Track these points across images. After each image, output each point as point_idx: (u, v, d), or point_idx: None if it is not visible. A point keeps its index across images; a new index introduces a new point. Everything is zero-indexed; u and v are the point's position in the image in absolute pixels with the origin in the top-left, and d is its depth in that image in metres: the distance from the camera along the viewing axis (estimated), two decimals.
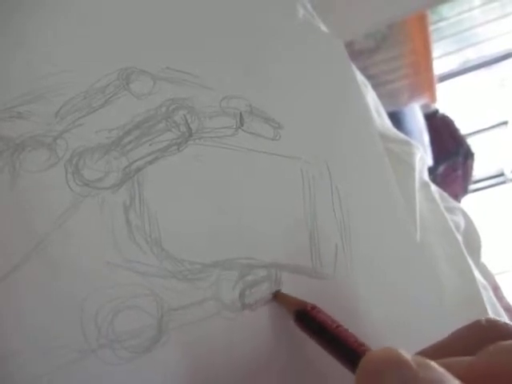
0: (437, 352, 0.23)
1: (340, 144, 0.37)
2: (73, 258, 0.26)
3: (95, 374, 0.25)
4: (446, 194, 0.61)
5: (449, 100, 1.97)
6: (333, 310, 0.30)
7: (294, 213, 0.32)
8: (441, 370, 0.18)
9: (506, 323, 0.21)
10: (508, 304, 0.59)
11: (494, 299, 0.50)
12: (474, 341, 0.22)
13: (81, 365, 0.24)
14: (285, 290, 0.30)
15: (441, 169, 1.72)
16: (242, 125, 0.33)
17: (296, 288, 0.30)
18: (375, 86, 0.65)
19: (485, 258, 0.58)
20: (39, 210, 0.26)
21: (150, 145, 0.30)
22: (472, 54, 1.99)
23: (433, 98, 1.63)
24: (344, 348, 0.25)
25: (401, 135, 0.57)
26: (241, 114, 0.33)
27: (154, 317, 0.26)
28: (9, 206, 0.26)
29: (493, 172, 2.28)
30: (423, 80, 1.53)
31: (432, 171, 1.47)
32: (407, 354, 0.19)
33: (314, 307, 0.28)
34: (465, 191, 1.82)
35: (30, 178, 0.27)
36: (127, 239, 0.27)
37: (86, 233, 0.27)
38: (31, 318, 0.24)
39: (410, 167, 0.51)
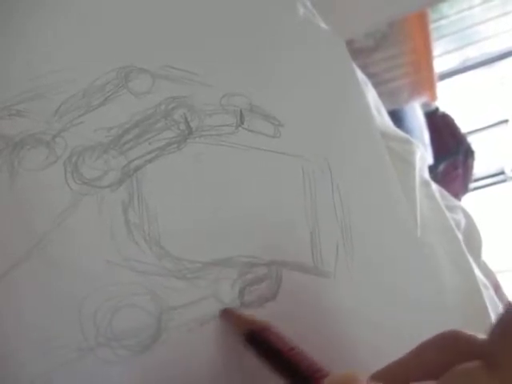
0: (399, 372, 0.22)
1: (341, 142, 0.37)
2: (72, 256, 0.26)
3: (94, 373, 0.25)
4: (446, 193, 0.61)
5: (449, 98, 1.96)
6: (333, 308, 0.30)
7: (295, 211, 0.32)
8: None
9: (468, 338, 0.21)
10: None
11: (495, 298, 0.50)
12: (437, 358, 0.21)
13: (80, 363, 0.24)
14: (285, 288, 0.30)
15: (441, 167, 1.71)
16: (243, 122, 0.33)
17: (296, 286, 0.30)
18: (375, 85, 0.65)
19: (485, 256, 0.58)
20: (38, 209, 0.26)
21: (150, 143, 0.30)
22: (472, 53, 1.99)
23: (433, 97, 1.63)
24: (297, 374, 0.23)
25: (401, 133, 0.57)
26: (241, 111, 0.33)
27: (153, 315, 0.26)
28: (8, 205, 0.26)
29: (493, 170, 2.28)
30: (423, 78, 1.52)
31: (432, 169, 1.46)
32: (365, 379, 0.19)
33: (265, 328, 0.26)
34: (465, 189, 1.82)
35: (29, 177, 0.27)
36: (126, 238, 0.27)
37: (85, 232, 0.27)
38: (30, 317, 0.25)
39: (411, 166, 0.50)
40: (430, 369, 0.21)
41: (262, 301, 0.29)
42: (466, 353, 0.20)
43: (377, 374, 0.22)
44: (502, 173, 2.27)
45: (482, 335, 0.20)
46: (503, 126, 2.16)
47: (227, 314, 0.27)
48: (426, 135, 1.66)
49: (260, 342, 0.25)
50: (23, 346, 0.24)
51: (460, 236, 0.50)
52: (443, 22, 1.84)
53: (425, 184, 0.53)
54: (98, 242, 0.27)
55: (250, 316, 0.27)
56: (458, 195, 1.66)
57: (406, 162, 0.51)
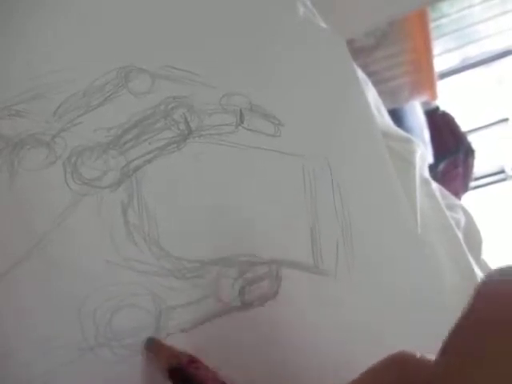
0: None
1: (341, 141, 0.37)
2: (72, 256, 0.26)
3: (94, 372, 0.25)
4: (446, 192, 0.61)
5: (449, 97, 1.96)
6: (333, 306, 0.30)
7: (295, 210, 0.32)
8: None
9: (416, 362, 0.20)
10: None
11: None
12: (388, 382, 0.20)
13: (80, 363, 0.24)
14: (286, 286, 0.30)
15: (441, 166, 1.71)
16: (242, 122, 0.33)
17: (297, 285, 0.30)
18: (376, 84, 0.65)
19: (486, 255, 0.58)
20: (38, 209, 0.26)
21: (149, 143, 0.30)
22: (473, 51, 1.98)
23: (433, 96, 1.63)
24: None
25: (401, 133, 0.57)
26: (241, 111, 0.33)
27: (152, 315, 0.26)
28: (8, 205, 0.26)
29: (493, 169, 2.28)
30: (424, 77, 1.52)
31: (432, 168, 1.46)
32: None
33: (191, 361, 0.24)
34: (465, 188, 1.81)
35: (29, 177, 0.27)
36: (125, 238, 0.27)
37: (84, 232, 0.27)
38: (30, 316, 0.25)
39: (411, 165, 0.50)
40: None
41: (262, 300, 0.29)
42: (415, 377, 0.19)
43: None
44: (502, 171, 2.27)
45: (431, 357, 0.19)
46: (503, 124, 2.15)
47: (150, 346, 0.26)
48: (426, 134, 1.66)
49: (185, 378, 0.23)
50: (23, 345, 0.24)
51: (460, 235, 0.50)
52: (443, 20, 1.84)
53: (425, 183, 0.53)
54: (97, 242, 0.27)
55: (174, 349, 0.25)
56: (458, 194, 1.66)
57: (406, 161, 0.51)
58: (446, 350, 0.17)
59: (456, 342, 0.17)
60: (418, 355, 0.20)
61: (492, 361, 0.15)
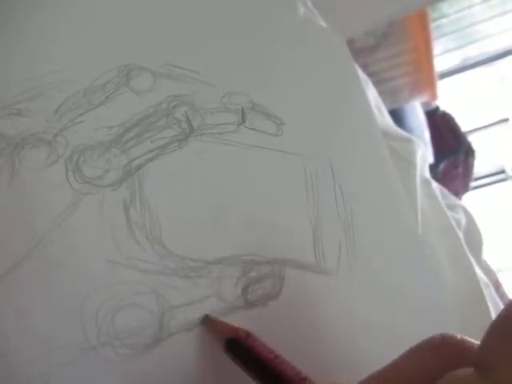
0: (390, 377, 0.21)
1: (342, 140, 0.37)
2: (73, 256, 0.26)
3: (96, 372, 0.25)
4: (446, 191, 0.61)
5: (450, 97, 1.96)
6: (335, 306, 0.30)
7: (297, 209, 0.32)
8: None
9: (461, 342, 0.20)
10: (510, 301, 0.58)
11: (496, 296, 0.50)
12: (429, 363, 0.20)
13: (81, 362, 0.24)
14: (288, 286, 0.30)
15: (441, 166, 1.71)
16: (244, 121, 0.33)
17: (299, 284, 0.30)
18: (376, 84, 0.65)
19: (486, 255, 0.58)
20: (39, 208, 0.26)
21: (151, 142, 0.30)
22: (473, 51, 1.99)
23: (433, 96, 1.63)
24: (283, 382, 0.23)
25: (402, 132, 0.57)
26: (243, 110, 0.33)
27: (155, 314, 0.26)
28: (8, 204, 0.26)
29: (494, 169, 2.28)
30: (424, 77, 1.52)
31: (433, 168, 1.46)
32: None
33: (248, 335, 0.25)
34: (466, 188, 1.82)
35: (30, 176, 0.26)
36: (128, 237, 0.27)
37: (86, 231, 0.26)
38: (32, 316, 0.24)
39: (411, 165, 0.50)
40: (422, 373, 0.20)
41: (265, 299, 0.29)
42: (459, 358, 0.19)
43: (367, 380, 0.21)
44: (503, 172, 2.27)
45: (475, 340, 0.20)
46: (503, 124, 2.16)
47: (208, 321, 0.27)
48: (426, 134, 1.66)
49: (243, 349, 0.25)
50: (24, 345, 0.24)
51: (461, 235, 0.50)
52: (443, 20, 1.84)
53: (425, 183, 0.53)
54: (99, 241, 0.27)
55: (232, 324, 0.26)
56: (458, 194, 1.66)
57: (406, 161, 0.51)
58: (492, 334, 0.18)
59: (503, 325, 0.17)
60: (459, 337, 0.20)
61: None
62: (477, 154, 1.80)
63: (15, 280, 0.25)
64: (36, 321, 0.24)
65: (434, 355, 0.20)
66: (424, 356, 0.21)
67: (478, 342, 0.18)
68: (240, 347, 0.25)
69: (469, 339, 0.20)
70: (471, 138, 1.85)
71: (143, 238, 0.27)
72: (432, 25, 1.55)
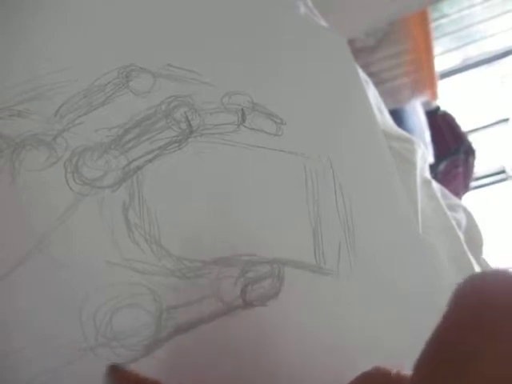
0: None
1: (343, 140, 0.37)
2: (72, 256, 0.26)
3: (94, 372, 0.25)
4: (447, 191, 0.61)
5: (450, 97, 1.96)
6: (336, 307, 0.30)
7: (297, 209, 0.32)
8: None
9: (394, 376, 0.19)
10: None
11: None
12: None
13: (80, 363, 0.24)
14: (288, 286, 0.30)
15: (442, 166, 1.71)
16: (244, 121, 0.33)
17: (299, 284, 0.30)
18: (376, 84, 0.65)
19: (486, 255, 0.58)
20: (39, 209, 0.26)
21: (151, 143, 0.30)
22: (473, 51, 1.99)
23: (434, 96, 1.63)
24: None
25: (402, 133, 0.57)
26: (242, 110, 0.33)
27: (153, 315, 0.26)
28: (9, 205, 0.26)
29: (494, 169, 2.28)
30: (424, 77, 1.52)
31: (433, 168, 1.46)
32: None
33: None
34: (466, 188, 1.82)
35: (30, 177, 0.26)
36: (126, 238, 0.27)
37: (85, 232, 0.27)
38: (31, 316, 0.24)
39: (412, 165, 0.50)
40: None
41: (264, 299, 0.29)
42: None
43: None
44: (503, 172, 2.27)
45: (407, 371, 0.19)
46: (504, 124, 2.16)
47: (114, 373, 0.24)
48: (426, 134, 1.66)
49: None
50: (23, 345, 0.24)
51: (461, 235, 0.50)
52: (444, 20, 1.84)
53: (426, 183, 0.53)
54: (98, 242, 0.27)
55: (138, 375, 0.24)
56: (458, 194, 1.66)
57: (407, 161, 0.51)
58: (420, 365, 0.17)
59: (430, 355, 0.16)
60: (394, 372, 0.19)
61: (468, 372, 0.15)
62: (477, 154, 1.80)
63: (15, 280, 0.25)
64: (35, 321, 0.25)
65: None
66: None
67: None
68: None
69: (404, 374, 0.19)
70: (471, 138, 1.85)
71: (142, 239, 0.27)
72: (432, 25, 1.55)
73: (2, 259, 0.25)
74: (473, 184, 1.92)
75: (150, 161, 0.29)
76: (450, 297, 0.17)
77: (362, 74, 0.55)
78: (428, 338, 0.17)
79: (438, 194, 0.53)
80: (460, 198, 1.51)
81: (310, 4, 0.51)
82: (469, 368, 0.15)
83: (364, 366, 0.22)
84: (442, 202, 0.52)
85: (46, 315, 0.25)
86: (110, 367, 0.24)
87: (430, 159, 1.50)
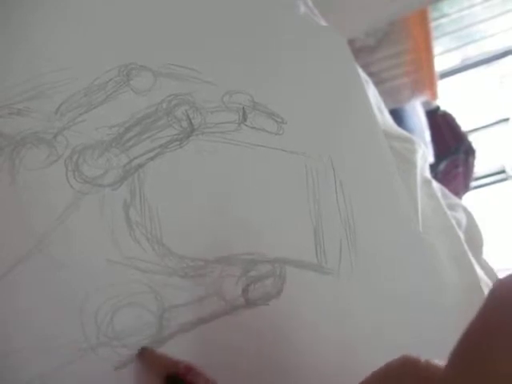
0: None
1: (343, 139, 0.37)
2: (73, 255, 0.26)
3: (95, 372, 0.25)
4: (447, 191, 0.61)
5: (450, 97, 1.96)
6: (337, 306, 0.30)
7: (299, 208, 0.32)
8: None
9: (423, 366, 0.19)
10: None
11: None
12: None
13: (81, 362, 0.24)
14: (289, 285, 0.30)
15: (442, 166, 1.71)
16: (245, 120, 0.33)
17: (300, 283, 0.30)
18: (376, 84, 0.65)
19: (486, 255, 0.58)
20: (39, 208, 0.26)
21: (151, 141, 0.30)
22: (473, 51, 1.99)
23: (434, 95, 1.63)
24: None
25: (402, 132, 0.57)
26: (243, 108, 0.33)
27: (155, 314, 0.26)
28: (9, 204, 0.26)
29: (494, 169, 2.28)
30: (424, 77, 1.52)
31: (433, 168, 1.46)
32: None
33: (189, 369, 0.24)
34: (466, 188, 1.82)
35: (30, 176, 0.26)
36: (127, 237, 0.27)
37: (86, 231, 0.26)
38: (32, 316, 0.24)
39: (412, 164, 0.50)
40: None
41: (266, 298, 0.29)
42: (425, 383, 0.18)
43: None
44: (503, 171, 2.27)
45: (441, 362, 0.18)
46: (504, 124, 2.16)
47: (145, 355, 0.25)
48: (426, 134, 1.66)
49: None
50: (24, 345, 0.24)
51: (461, 234, 0.50)
52: (444, 20, 1.84)
53: (426, 183, 0.53)
54: (99, 240, 0.27)
55: (170, 357, 0.25)
56: (458, 194, 1.66)
57: (407, 160, 0.51)
58: (456, 355, 0.17)
59: (466, 347, 0.17)
60: (423, 360, 0.19)
61: (504, 368, 0.15)
62: (477, 154, 1.80)
63: (15, 280, 0.25)
64: (36, 321, 0.24)
65: (400, 379, 0.19)
66: (390, 381, 0.20)
67: (444, 365, 0.18)
68: (181, 383, 0.23)
69: (433, 363, 0.19)
70: (471, 138, 1.85)
71: (143, 237, 0.27)
72: (432, 24, 1.55)
73: (2, 259, 0.25)
74: (473, 184, 1.93)
75: (151, 159, 0.29)
76: (487, 294, 0.17)
77: (362, 74, 0.55)
78: (464, 330, 0.17)
79: (438, 194, 0.53)
80: (460, 198, 1.51)
81: (310, 4, 0.51)
82: (500, 365, 0.15)
83: (365, 363, 0.22)
84: (442, 202, 0.52)
85: (46, 315, 0.25)
86: (141, 349, 0.25)
87: (430, 159, 1.50)
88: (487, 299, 0.17)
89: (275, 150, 0.33)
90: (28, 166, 0.27)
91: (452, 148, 1.75)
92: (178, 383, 0.23)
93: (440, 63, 1.79)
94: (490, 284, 0.50)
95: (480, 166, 1.92)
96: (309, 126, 0.35)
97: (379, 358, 0.21)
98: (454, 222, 0.50)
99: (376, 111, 0.51)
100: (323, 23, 0.51)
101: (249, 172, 0.32)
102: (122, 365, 0.25)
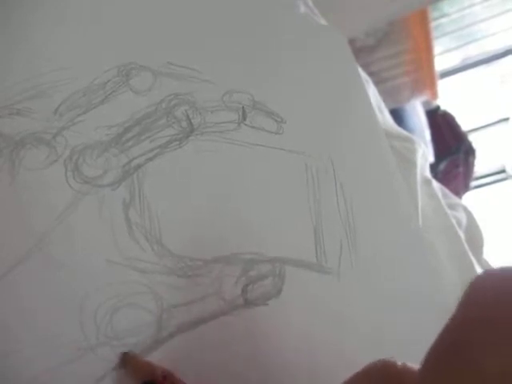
0: None
1: (344, 138, 0.37)
2: (73, 256, 0.26)
3: (94, 372, 0.25)
4: (447, 191, 0.60)
5: (450, 96, 1.97)
6: (337, 306, 0.30)
7: (298, 207, 0.32)
8: None
9: (400, 370, 0.19)
10: None
11: None
12: None
13: (80, 362, 0.24)
14: (289, 285, 0.30)
15: (442, 166, 1.71)
16: (245, 119, 0.33)
17: (300, 283, 0.30)
18: (376, 84, 0.65)
19: (487, 254, 0.58)
20: (39, 208, 0.26)
21: (151, 141, 0.30)
22: (473, 51, 1.99)
23: (434, 95, 1.63)
24: None
25: (403, 132, 0.57)
26: (243, 108, 0.33)
27: (154, 314, 0.26)
28: (8, 204, 0.26)
29: (494, 169, 2.28)
30: (424, 77, 1.53)
31: (433, 168, 1.46)
32: None
33: (166, 376, 0.24)
34: (466, 188, 1.82)
35: (30, 176, 0.26)
36: (127, 237, 0.27)
37: (85, 231, 0.26)
38: (31, 315, 0.24)
39: (412, 164, 0.50)
40: None
41: (265, 298, 0.29)
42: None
43: None
44: (503, 171, 2.27)
45: (415, 366, 0.18)
46: (504, 124, 2.16)
47: (126, 360, 0.25)
48: (427, 133, 1.66)
49: None
50: (23, 345, 0.24)
51: (462, 234, 0.50)
52: (444, 20, 1.84)
53: (426, 182, 0.53)
54: (98, 241, 0.27)
55: (149, 363, 0.25)
56: (458, 193, 1.66)
57: (407, 160, 0.51)
58: (430, 358, 0.17)
59: (440, 348, 0.16)
60: (399, 364, 0.19)
61: (478, 367, 0.14)
62: (477, 154, 1.80)
63: (15, 279, 0.25)
64: (36, 320, 0.24)
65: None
66: None
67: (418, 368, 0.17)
68: None
69: (409, 367, 0.19)
70: (472, 138, 1.85)
71: (142, 237, 0.27)
72: (432, 24, 1.55)
73: (2, 259, 0.25)
74: (473, 183, 1.93)
75: (150, 159, 0.29)
76: (463, 293, 0.17)
77: (363, 73, 0.55)
78: (439, 332, 0.17)
79: (439, 194, 0.53)
80: (460, 198, 1.51)
81: (310, 4, 0.51)
82: (477, 362, 0.15)
83: (364, 363, 0.22)
84: (443, 202, 0.52)
85: (45, 315, 0.25)
86: (123, 354, 0.25)
87: (431, 158, 1.50)
88: (463, 297, 0.17)
89: (275, 149, 0.33)
90: (28, 167, 0.27)
91: (452, 148, 1.75)
92: None
93: (440, 63, 1.79)
94: None
95: (480, 165, 1.92)
96: (309, 125, 0.35)
97: (378, 357, 0.21)
98: (454, 221, 0.50)
99: (376, 111, 0.51)
100: (323, 23, 0.51)
101: (248, 172, 0.32)
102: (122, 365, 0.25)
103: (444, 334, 0.17)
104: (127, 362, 0.25)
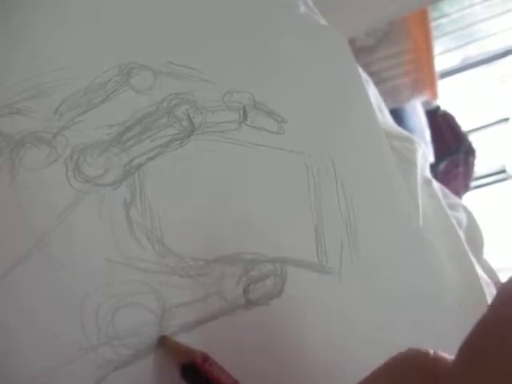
0: None
1: (344, 138, 0.37)
2: (73, 255, 0.26)
3: (95, 372, 0.25)
4: (447, 191, 0.60)
5: (450, 97, 1.97)
6: (338, 305, 0.30)
7: (299, 207, 0.32)
8: None
9: (433, 360, 0.19)
10: None
11: None
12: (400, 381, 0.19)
13: (81, 362, 0.24)
14: (290, 285, 0.30)
15: (442, 166, 1.71)
16: (246, 119, 0.33)
17: (301, 283, 0.30)
18: (376, 84, 0.65)
19: (487, 254, 0.58)
20: (39, 208, 0.26)
21: (152, 141, 0.30)
22: (473, 51, 1.99)
23: (434, 95, 1.63)
24: None
25: (403, 132, 0.57)
26: (244, 108, 0.33)
27: (156, 314, 0.26)
28: (9, 204, 0.26)
29: (494, 169, 2.28)
30: (424, 77, 1.53)
31: (433, 168, 1.46)
32: None
33: (205, 359, 0.24)
34: (466, 188, 1.82)
35: (30, 176, 0.26)
36: (128, 236, 0.27)
37: (86, 230, 0.26)
38: (32, 315, 0.24)
39: (412, 164, 0.50)
40: None
41: (267, 298, 0.29)
42: (433, 378, 0.18)
43: None
44: (503, 171, 2.27)
45: (449, 356, 0.18)
46: (504, 124, 2.16)
47: (165, 343, 0.26)
48: (427, 134, 1.66)
49: (199, 375, 0.24)
50: (24, 344, 0.24)
51: (462, 234, 0.50)
52: (444, 20, 1.84)
53: (426, 182, 0.53)
54: (99, 240, 0.27)
55: (187, 346, 0.25)
56: (458, 194, 1.66)
57: (407, 160, 0.51)
58: (465, 350, 0.17)
59: (476, 341, 0.17)
60: (432, 353, 0.19)
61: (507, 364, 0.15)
62: (477, 154, 1.80)
63: (15, 280, 0.24)
64: (36, 320, 0.24)
65: (408, 371, 0.19)
66: (398, 373, 0.20)
67: (452, 358, 0.17)
68: (197, 373, 0.24)
69: (442, 356, 0.19)
70: (472, 138, 1.85)
71: (144, 237, 0.27)
72: (432, 24, 1.55)
73: (2, 259, 0.25)
74: (473, 184, 1.93)
75: (151, 158, 0.29)
76: (498, 289, 0.17)
77: (363, 73, 0.55)
78: (473, 326, 0.17)
79: (439, 194, 0.53)
80: (460, 198, 1.51)
81: (310, 4, 0.51)
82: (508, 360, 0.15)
83: (365, 362, 0.22)
84: (443, 202, 0.52)
85: (46, 314, 0.25)
86: (160, 337, 0.26)
87: (431, 158, 1.50)
88: (498, 293, 0.17)
89: (276, 149, 0.33)
90: (28, 166, 0.27)
91: (452, 148, 1.75)
92: (194, 371, 0.24)
93: (440, 63, 1.79)
94: (491, 284, 0.50)
95: (480, 165, 1.92)
96: (309, 125, 0.35)
97: (379, 358, 0.21)
98: (454, 221, 0.50)
99: (376, 111, 0.51)
100: (323, 23, 0.51)
101: (249, 171, 0.32)
102: (123, 364, 0.25)
103: (479, 329, 0.17)
104: (166, 344, 0.25)
